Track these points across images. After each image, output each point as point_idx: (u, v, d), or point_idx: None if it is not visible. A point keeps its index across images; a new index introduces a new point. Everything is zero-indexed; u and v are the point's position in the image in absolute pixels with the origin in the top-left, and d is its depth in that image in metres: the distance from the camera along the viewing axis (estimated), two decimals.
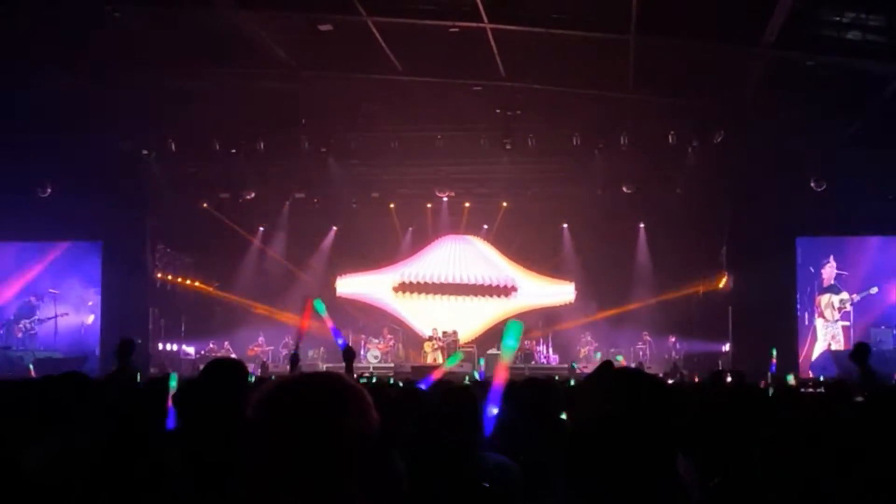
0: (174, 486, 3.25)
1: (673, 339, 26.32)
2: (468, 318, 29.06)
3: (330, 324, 11.97)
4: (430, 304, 29.50)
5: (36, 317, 26.54)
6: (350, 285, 29.55)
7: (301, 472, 2.17)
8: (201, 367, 17.94)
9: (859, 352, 9.90)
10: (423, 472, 3.83)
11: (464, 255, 29.65)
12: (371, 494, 2.31)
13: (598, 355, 26.40)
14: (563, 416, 6.02)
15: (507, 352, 5.58)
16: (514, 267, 29.36)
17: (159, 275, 26.52)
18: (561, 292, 29.01)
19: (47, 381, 4.82)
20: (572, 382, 8.87)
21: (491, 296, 29.53)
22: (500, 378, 5.13)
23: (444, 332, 27.93)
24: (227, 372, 4.55)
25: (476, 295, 29.56)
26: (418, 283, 29.63)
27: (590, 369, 23.37)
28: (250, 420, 2.23)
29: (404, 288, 29.68)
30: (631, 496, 2.38)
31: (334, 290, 29.23)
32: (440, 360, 26.50)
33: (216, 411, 3.77)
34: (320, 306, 10.47)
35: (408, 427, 4.36)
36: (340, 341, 11.85)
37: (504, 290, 29.54)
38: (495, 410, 4.89)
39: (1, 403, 4.60)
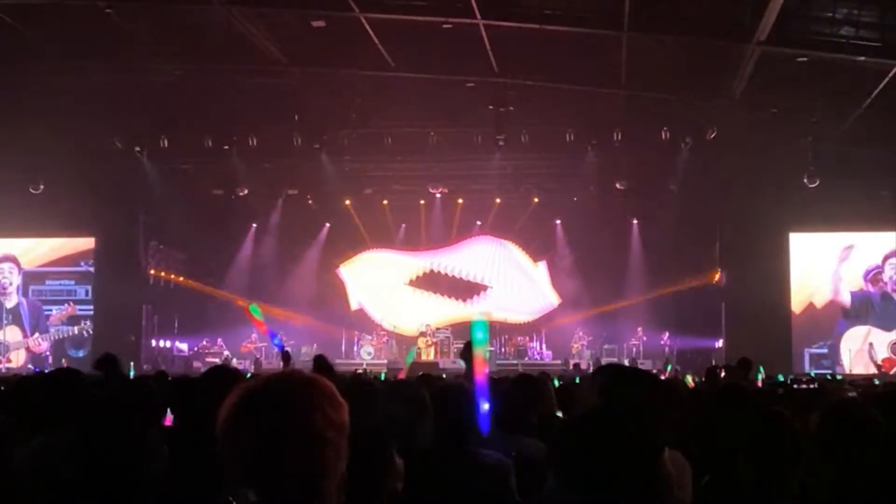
0: (163, 484, 3.26)
1: (666, 335, 26.31)
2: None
3: (264, 327, 12.05)
4: (428, 301, 29.45)
5: None
6: (370, 261, 29.43)
7: (279, 471, 2.18)
8: (195, 363, 17.78)
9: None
10: (416, 468, 3.83)
11: (499, 261, 29.48)
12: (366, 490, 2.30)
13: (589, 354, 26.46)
14: (559, 414, 6.04)
15: (479, 346, 5.61)
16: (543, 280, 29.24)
17: (152, 271, 26.44)
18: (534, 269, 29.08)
19: (39, 377, 4.81)
20: (557, 383, 8.83)
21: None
22: (481, 372, 5.14)
23: (437, 328, 27.94)
24: (226, 378, 4.55)
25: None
26: (447, 274, 29.45)
27: (583, 365, 23.46)
28: (224, 424, 2.24)
29: (418, 283, 29.53)
30: (617, 490, 2.38)
31: (330, 282, 29.17)
32: (432, 357, 26.50)
33: (210, 414, 3.77)
34: (255, 311, 10.73)
35: (399, 422, 4.35)
36: (276, 341, 11.99)
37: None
38: (486, 406, 4.90)
39: None
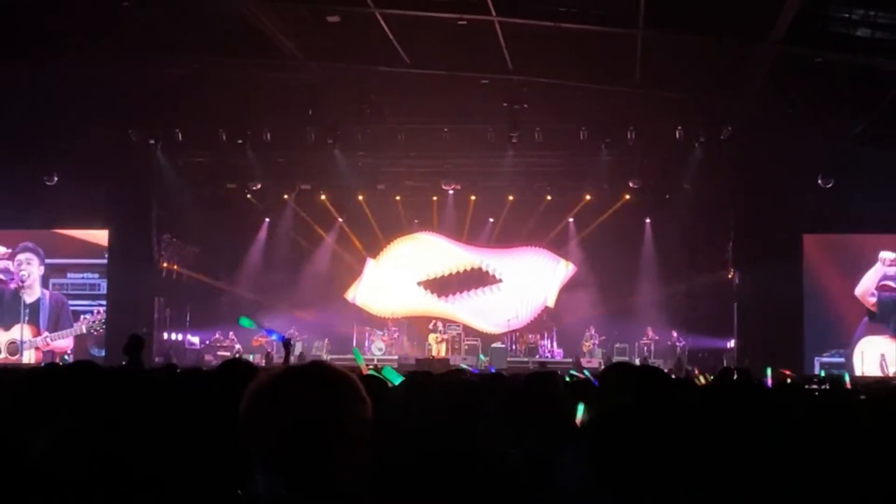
0: (177, 476, 3.27)
1: (677, 335, 26.29)
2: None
3: (261, 334, 12.15)
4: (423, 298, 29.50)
5: None
6: (419, 244, 29.45)
7: (300, 461, 2.21)
8: (206, 357, 17.87)
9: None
10: (425, 464, 3.84)
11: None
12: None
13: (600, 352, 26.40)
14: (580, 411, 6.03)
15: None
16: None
17: (165, 264, 26.50)
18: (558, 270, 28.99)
19: (55, 368, 4.83)
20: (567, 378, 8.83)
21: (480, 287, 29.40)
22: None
23: (448, 325, 27.97)
24: (241, 372, 4.57)
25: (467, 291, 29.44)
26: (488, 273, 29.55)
27: (594, 364, 23.45)
28: (248, 413, 2.26)
29: (430, 284, 29.53)
30: (652, 484, 2.39)
31: (342, 278, 29.20)
32: (443, 353, 26.53)
33: (224, 407, 3.78)
34: (244, 322, 10.98)
35: (410, 419, 4.37)
36: (275, 337, 12.10)
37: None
38: None
39: (9, 390, 4.61)
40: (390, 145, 23.84)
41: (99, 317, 24.98)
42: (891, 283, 23.56)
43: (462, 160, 25.48)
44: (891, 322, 23.54)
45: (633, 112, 21.92)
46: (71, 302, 25.63)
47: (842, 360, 23.16)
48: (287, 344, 8.80)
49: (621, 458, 2.42)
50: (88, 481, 2.92)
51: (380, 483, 3.09)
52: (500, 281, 29.15)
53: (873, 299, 23.62)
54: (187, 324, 27.48)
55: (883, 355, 23.14)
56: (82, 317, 25.32)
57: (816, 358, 23.20)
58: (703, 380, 11.92)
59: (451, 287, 29.28)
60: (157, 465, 3.35)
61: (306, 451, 2.20)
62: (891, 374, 22.09)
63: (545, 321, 28.57)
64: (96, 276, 25.78)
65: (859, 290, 23.64)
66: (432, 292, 29.20)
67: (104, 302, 25.49)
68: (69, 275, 25.80)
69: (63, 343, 25.12)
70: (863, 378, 19.37)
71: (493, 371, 15.37)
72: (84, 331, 24.79)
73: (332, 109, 22.61)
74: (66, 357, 24.09)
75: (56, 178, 23.97)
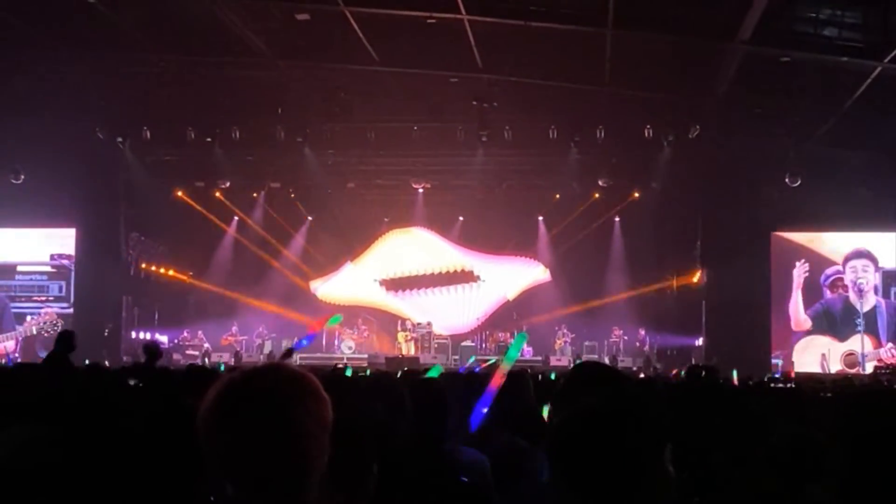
0: (142, 478, 3.25)
1: (646, 333, 26.40)
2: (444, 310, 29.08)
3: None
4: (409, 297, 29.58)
5: None
6: (412, 240, 29.46)
7: (261, 465, 2.18)
8: (175, 356, 17.82)
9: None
10: (394, 465, 3.83)
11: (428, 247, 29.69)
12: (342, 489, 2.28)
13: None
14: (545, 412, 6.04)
15: (508, 361, 5.68)
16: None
17: (133, 262, 26.34)
18: (531, 272, 29.09)
19: (21, 367, 4.80)
20: (552, 376, 8.86)
21: (458, 284, 29.49)
22: (496, 383, 5.20)
23: (418, 324, 27.94)
24: (205, 377, 4.56)
25: (444, 285, 29.55)
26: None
27: (564, 362, 23.49)
28: (207, 417, 2.22)
29: (392, 284, 29.61)
30: (617, 489, 2.38)
31: (311, 275, 29.17)
32: (413, 352, 26.50)
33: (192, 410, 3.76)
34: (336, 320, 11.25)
35: (379, 419, 4.35)
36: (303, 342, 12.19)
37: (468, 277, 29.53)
38: (485, 410, 4.96)
39: None
40: (360, 144, 23.76)
41: (49, 318, 24.45)
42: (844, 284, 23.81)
43: (432, 158, 25.46)
44: (828, 327, 23.74)
45: (602, 111, 21.96)
46: (16, 305, 25.18)
47: (779, 360, 23.30)
48: (289, 352, 8.77)
49: (580, 460, 2.41)
50: (49, 488, 2.90)
51: (348, 484, 3.08)
52: (482, 280, 29.31)
53: (809, 323, 23.90)
54: (156, 322, 27.33)
55: (824, 354, 23.34)
56: (29, 317, 24.83)
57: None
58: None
59: (411, 284, 29.41)
60: (125, 470, 3.33)
61: (262, 455, 2.17)
62: (833, 372, 22.09)
63: (515, 320, 28.63)
64: (45, 277, 25.43)
65: (795, 326, 23.94)
66: (388, 289, 29.35)
67: (60, 304, 25.12)
68: (17, 276, 25.43)
69: (7, 345, 24.20)
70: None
71: (463, 370, 15.40)
72: (34, 332, 24.26)
73: (301, 108, 22.52)
74: (9, 359, 22.99)
75: (22, 177, 23.75)
